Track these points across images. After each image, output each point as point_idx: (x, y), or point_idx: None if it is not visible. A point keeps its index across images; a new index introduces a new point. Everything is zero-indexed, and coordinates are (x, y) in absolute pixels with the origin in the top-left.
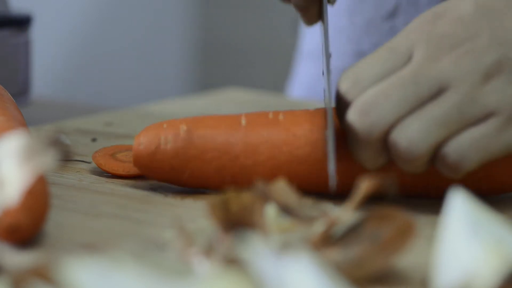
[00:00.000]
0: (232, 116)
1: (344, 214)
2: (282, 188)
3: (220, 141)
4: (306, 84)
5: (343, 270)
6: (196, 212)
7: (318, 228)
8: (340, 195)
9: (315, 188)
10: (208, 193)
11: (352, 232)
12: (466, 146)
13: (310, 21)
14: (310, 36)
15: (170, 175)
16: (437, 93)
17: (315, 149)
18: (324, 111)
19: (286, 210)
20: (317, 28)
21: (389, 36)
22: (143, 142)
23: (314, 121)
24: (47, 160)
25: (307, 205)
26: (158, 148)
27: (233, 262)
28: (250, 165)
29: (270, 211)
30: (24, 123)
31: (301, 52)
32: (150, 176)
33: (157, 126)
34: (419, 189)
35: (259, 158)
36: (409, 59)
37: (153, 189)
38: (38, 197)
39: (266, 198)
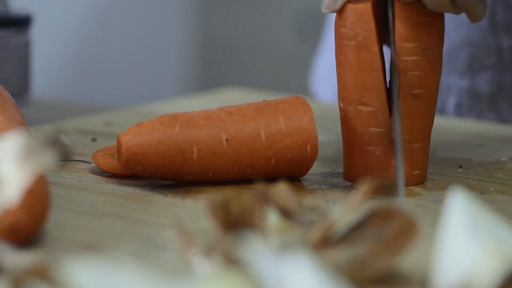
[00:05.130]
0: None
1: (344, 215)
2: (282, 191)
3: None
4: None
5: (345, 271)
6: (196, 212)
7: (318, 229)
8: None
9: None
10: (208, 192)
11: (354, 231)
12: None
13: None
14: None
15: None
16: None
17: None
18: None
19: (286, 212)
20: None
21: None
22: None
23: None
24: (47, 160)
25: (307, 207)
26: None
27: (233, 262)
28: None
29: (270, 213)
30: (24, 123)
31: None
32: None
33: (138, 126)
34: None
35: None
36: None
37: (153, 189)
38: (38, 197)
39: (266, 200)
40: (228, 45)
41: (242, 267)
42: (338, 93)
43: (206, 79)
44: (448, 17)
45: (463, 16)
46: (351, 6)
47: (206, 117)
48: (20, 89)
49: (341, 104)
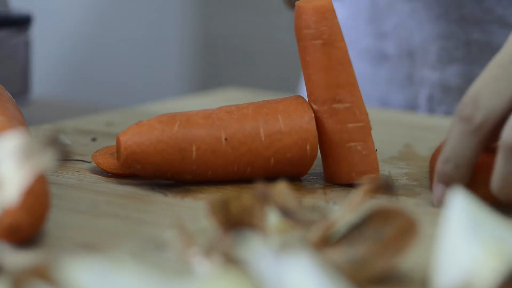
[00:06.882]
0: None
1: (344, 215)
2: (282, 190)
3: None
4: None
5: (345, 271)
6: (196, 212)
7: (318, 229)
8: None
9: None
10: (208, 191)
11: (354, 231)
12: None
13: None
14: None
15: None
16: None
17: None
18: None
19: (286, 212)
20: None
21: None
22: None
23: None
24: (47, 160)
25: (307, 207)
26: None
27: (233, 262)
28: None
29: (270, 213)
30: (24, 123)
31: None
32: (139, 173)
33: (137, 125)
34: None
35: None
36: None
37: (153, 188)
38: (38, 197)
39: (266, 200)
40: (228, 45)
41: (242, 267)
42: (308, 95)
43: (206, 79)
44: (421, 9)
45: (434, 9)
46: (311, 6)
47: (205, 116)
48: (20, 89)
49: (314, 106)
